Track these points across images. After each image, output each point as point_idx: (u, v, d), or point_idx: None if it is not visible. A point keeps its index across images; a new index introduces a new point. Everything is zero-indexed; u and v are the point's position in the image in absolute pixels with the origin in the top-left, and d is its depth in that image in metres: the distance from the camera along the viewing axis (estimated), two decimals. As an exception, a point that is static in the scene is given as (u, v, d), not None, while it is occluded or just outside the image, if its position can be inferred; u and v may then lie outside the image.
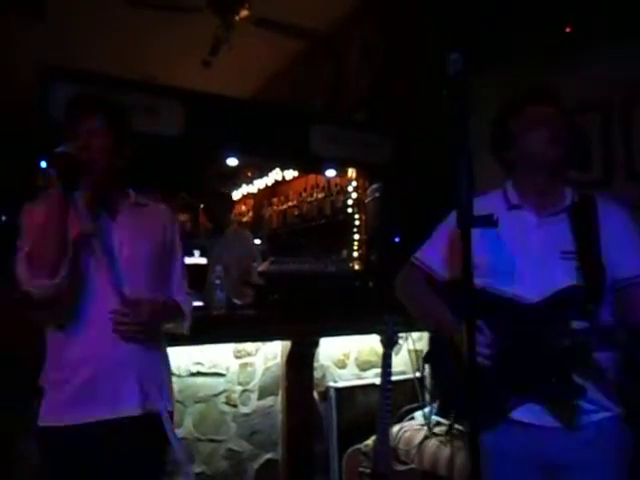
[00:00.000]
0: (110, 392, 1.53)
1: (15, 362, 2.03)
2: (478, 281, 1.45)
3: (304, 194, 5.45)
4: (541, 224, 1.50)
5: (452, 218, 1.63)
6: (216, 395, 2.68)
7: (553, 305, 1.41)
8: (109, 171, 1.59)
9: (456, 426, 2.50)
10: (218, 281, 2.86)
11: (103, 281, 1.54)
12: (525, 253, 1.48)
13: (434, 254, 1.65)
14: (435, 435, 2.69)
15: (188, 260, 4.03)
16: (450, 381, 1.59)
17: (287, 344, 2.80)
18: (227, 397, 2.71)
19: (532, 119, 1.51)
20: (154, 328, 1.63)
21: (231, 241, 3.95)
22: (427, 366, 2.74)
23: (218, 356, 2.69)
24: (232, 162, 4.42)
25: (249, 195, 6.53)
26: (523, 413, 1.44)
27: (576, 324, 1.37)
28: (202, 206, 5.16)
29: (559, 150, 1.49)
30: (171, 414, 1.69)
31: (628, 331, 1.30)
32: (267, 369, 2.82)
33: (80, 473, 1.52)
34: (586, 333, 1.34)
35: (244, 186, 6.39)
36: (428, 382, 3.06)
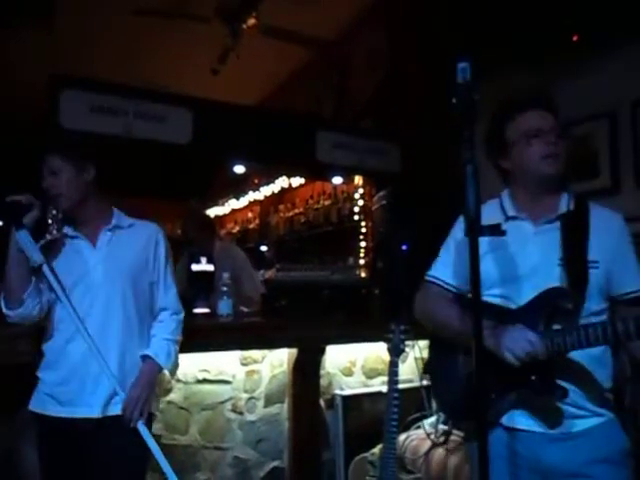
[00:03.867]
0: (77, 394, 1.74)
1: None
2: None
3: (311, 201, 5.45)
4: (538, 233, 1.51)
5: (457, 229, 1.63)
6: (222, 402, 2.68)
7: (534, 307, 1.43)
8: (78, 198, 1.81)
9: (455, 432, 2.48)
10: (225, 288, 2.86)
11: (63, 308, 1.76)
12: (523, 263, 1.48)
13: (445, 268, 1.66)
14: (442, 444, 2.68)
15: (195, 267, 4.00)
16: (449, 389, 1.59)
17: (293, 351, 2.79)
18: (233, 404, 2.70)
19: (527, 130, 1.49)
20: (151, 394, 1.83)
21: (220, 258, 3.90)
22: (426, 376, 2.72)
23: (224, 363, 2.69)
24: (239, 169, 4.43)
25: (255, 202, 6.55)
26: (512, 419, 1.45)
27: (556, 324, 1.39)
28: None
29: (555, 166, 1.48)
30: (150, 418, 1.86)
31: (603, 327, 1.31)
32: (273, 377, 2.82)
33: (63, 461, 1.74)
34: (564, 333, 1.35)
35: (250, 193, 6.41)
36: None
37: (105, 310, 1.78)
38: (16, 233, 1.68)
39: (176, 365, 1.94)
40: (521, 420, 1.44)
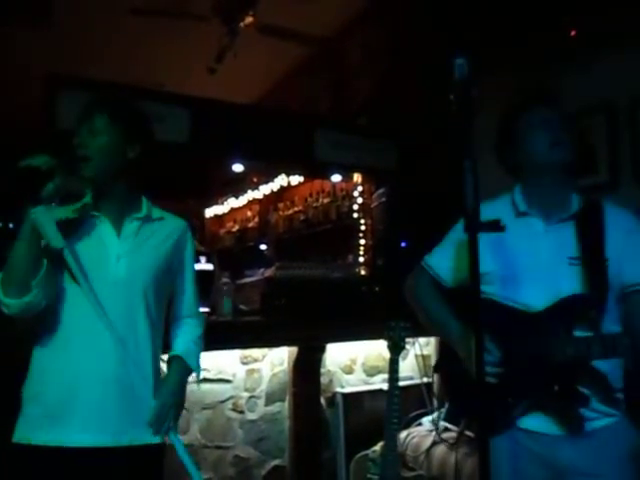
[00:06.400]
0: (84, 417, 1.40)
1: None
2: (484, 289, 1.46)
3: (310, 199, 5.44)
4: (549, 230, 1.50)
5: (461, 223, 1.63)
6: (223, 401, 2.68)
7: (556, 314, 1.41)
8: (110, 173, 1.51)
9: (467, 432, 2.48)
10: (225, 287, 2.86)
11: (82, 298, 1.44)
12: (532, 260, 1.47)
13: (442, 259, 1.66)
14: (443, 441, 2.68)
15: (195, 266, 4.00)
16: (460, 388, 1.58)
17: (294, 350, 2.79)
18: (234, 403, 2.70)
19: (534, 122, 1.51)
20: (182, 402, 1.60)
21: None
22: (436, 375, 2.72)
23: (224, 362, 2.68)
24: (238, 168, 4.43)
25: (255, 201, 6.54)
26: (530, 421, 1.45)
27: (579, 333, 1.38)
28: None
29: (563, 153, 1.48)
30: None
31: (630, 338, 1.30)
32: (274, 375, 2.82)
33: None
34: (588, 342, 1.34)
35: (250, 192, 6.40)
36: (435, 387, 3.04)
37: (127, 312, 1.49)
38: (31, 210, 1.34)
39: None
40: (536, 423, 1.43)
